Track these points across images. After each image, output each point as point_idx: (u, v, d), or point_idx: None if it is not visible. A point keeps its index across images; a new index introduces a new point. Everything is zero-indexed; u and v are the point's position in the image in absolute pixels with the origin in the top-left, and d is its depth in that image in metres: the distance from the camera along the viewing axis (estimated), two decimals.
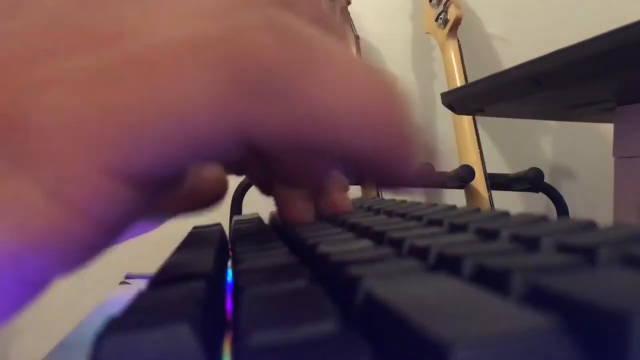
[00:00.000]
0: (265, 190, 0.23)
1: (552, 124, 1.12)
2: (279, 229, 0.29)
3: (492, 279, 0.12)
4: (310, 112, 0.10)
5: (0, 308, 0.09)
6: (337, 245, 0.18)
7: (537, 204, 1.06)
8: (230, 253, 0.25)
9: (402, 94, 0.11)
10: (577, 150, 1.13)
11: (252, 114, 0.09)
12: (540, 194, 0.98)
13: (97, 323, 0.10)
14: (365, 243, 0.18)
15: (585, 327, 0.08)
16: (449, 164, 0.95)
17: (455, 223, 0.20)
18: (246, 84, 0.09)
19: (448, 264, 0.14)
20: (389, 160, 0.11)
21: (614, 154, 0.50)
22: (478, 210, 0.24)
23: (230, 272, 0.22)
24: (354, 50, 0.94)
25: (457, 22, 0.94)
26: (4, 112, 0.09)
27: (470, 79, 0.84)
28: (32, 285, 0.09)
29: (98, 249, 0.10)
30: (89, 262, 0.10)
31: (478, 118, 0.92)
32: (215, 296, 0.15)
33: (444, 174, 0.89)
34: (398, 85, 0.11)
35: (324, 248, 0.17)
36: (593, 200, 0.83)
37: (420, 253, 0.16)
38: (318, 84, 0.10)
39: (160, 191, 0.11)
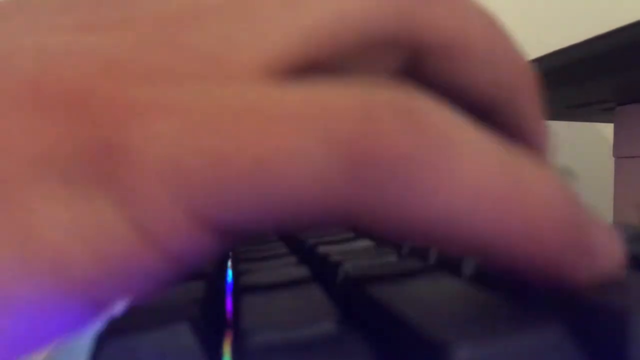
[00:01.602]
0: None
1: (552, 124, 1.12)
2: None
3: (492, 279, 0.12)
4: (433, 213, 0.08)
5: (62, 325, 0.09)
6: (337, 245, 0.18)
7: None
8: (230, 253, 0.25)
9: (574, 194, 0.09)
10: (577, 150, 1.13)
11: (364, 202, 0.08)
12: None
13: (97, 323, 0.10)
14: (365, 243, 0.18)
15: (585, 327, 0.08)
16: None
17: None
18: (365, 170, 0.08)
19: (448, 264, 0.14)
20: (556, 268, 0.09)
21: (614, 154, 0.50)
22: None
23: (230, 272, 0.22)
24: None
25: None
26: (104, 132, 0.08)
27: None
28: (95, 307, 0.09)
29: (162, 283, 0.10)
30: (148, 291, 0.10)
31: None
32: (215, 296, 0.15)
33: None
34: (570, 186, 0.09)
35: (324, 248, 0.17)
36: (593, 200, 0.83)
37: (420, 253, 0.16)
38: (449, 182, 0.08)
39: (236, 242, 0.10)
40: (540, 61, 0.42)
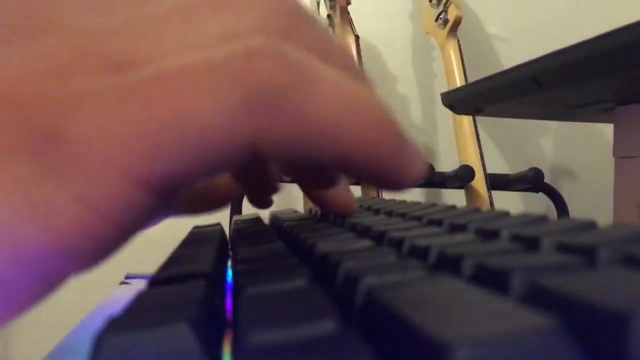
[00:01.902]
0: (256, 202, 0.25)
1: (552, 124, 1.12)
2: (279, 229, 0.29)
3: (492, 279, 0.12)
4: (310, 124, 0.11)
5: (17, 302, 0.10)
6: (337, 245, 0.18)
7: (537, 204, 1.06)
8: (230, 253, 0.25)
9: (389, 110, 0.13)
10: (577, 150, 1.13)
11: (262, 128, 0.11)
12: (540, 194, 0.98)
13: (97, 323, 0.10)
14: (365, 243, 0.18)
15: (585, 327, 0.08)
16: (449, 164, 0.95)
17: (455, 223, 0.20)
18: (256, 102, 0.11)
19: (448, 264, 0.14)
20: (386, 166, 0.13)
21: (614, 154, 0.50)
22: (478, 210, 0.24)
23: (230, 272, 0.22)
24: (353, 52, 0.93)
25: (457, 22, 0.94)
26: (40, 123, 0.10)
27: (470, 79, 0.84)
28: (50, 281, 0.10)
29: (113, 249, 0.11)
30: (102, 261, 0.11)
31: (478, 118, 0.92)
32: (215, 296, 0.15)
33: (443, 174, 0.89)
34: (384, 103, 0.13)
35: (324, 248, 0.17)
36: (593, 200, 0.83)
37: (420, 253, 0.16)
38: (315, 101, 0.11)
39: (173, 197, 0.12)
40: (540, 61, 0.42)
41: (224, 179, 0.22)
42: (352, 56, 0.15)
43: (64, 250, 0.10)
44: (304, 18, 0.14)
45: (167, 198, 0.11)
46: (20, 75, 0.11)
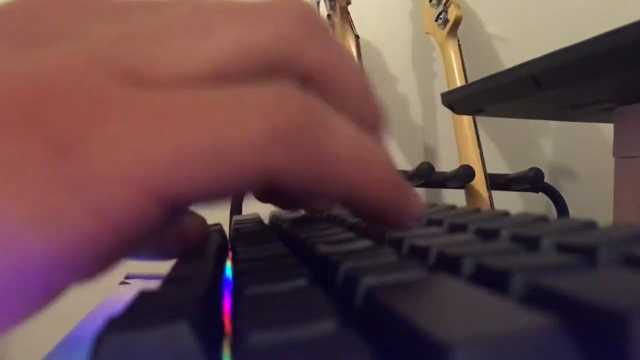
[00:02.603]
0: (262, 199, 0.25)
1: (552, 124, 1.12)
2: (279, 229, 0.29)
3: (492, 279, 0.12)
4: (324, 163, 0.12)
5: (20, 310, 0.10)
6: (337, 245, 0.18)
7: (537, 204, 1.06)
8: (230, 253, 0.25)
9: (389, 157, 0.14)
10: (577, 150, 1.13)
11: (281, 162, 0.12)
12: (540, 194, 0.98)
13: (97, 323, 0.10)
14: (365, 243, 0.18)
15: (585, 327, 0.08)
16: (449, 164, 0.95)
17: (455, 223, 0.20)
18: (281, 137, 0.11)
19: (448, 264, 0.14)
20: (386, 212, 0.14)
21: (614, 154, 0.50)
22: (478, 210, 0.24)
23: (230, 272, 0.22)
24: (355, 52, 0.93)
25: (457, 22, 0.94)
26: (60, 131, 0.10)
27: (470, 79, 0.84)
28: (53, 290, 0.10)
29: (116, 261, 0.11)
30: (104, 271, 0.11)
31: (478, 118, 0.92)
32: (215, 296, 0.15)
33: (443, 174, 0.89)
34: (384, 150, 0.14)
35: (324, 248, 0.17)
36: (593, 200, 0.83)
37: (420, 253, 0.16)
38: (332, 143, 0.12)
39: (176, 217, 0.12)
40: (540, 61, 0.42)
41: (196, 220, 0.22)
42: (360, 69, 0.16)
43: (71, 258, 0.10)
44: (318, 27, 0.14)
45: (175, 212, 0.11)
46: (36, 80, 0.11)
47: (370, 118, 0.16)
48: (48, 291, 0.10)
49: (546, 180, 0.95)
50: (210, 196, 0.11)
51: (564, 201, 0.96)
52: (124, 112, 0.10)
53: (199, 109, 0.11)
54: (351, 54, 0.15)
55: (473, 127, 0.90)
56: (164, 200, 0.11)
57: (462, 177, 0.87)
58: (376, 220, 0.15)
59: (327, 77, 0.14)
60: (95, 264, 0.10)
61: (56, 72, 0.11)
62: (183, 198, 0.11)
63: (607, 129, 0.59)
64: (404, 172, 0.92)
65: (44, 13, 0.13)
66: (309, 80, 0.14)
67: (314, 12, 0.15)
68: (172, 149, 0.10)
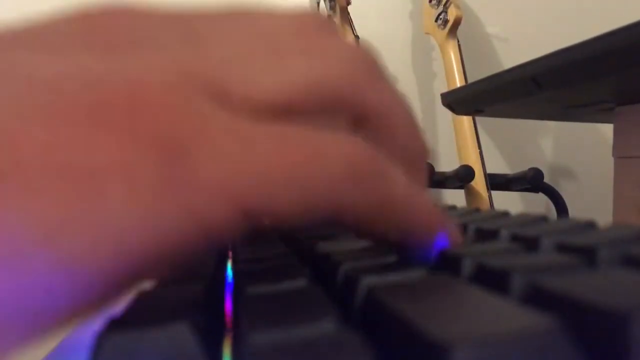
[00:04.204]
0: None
1: (552, 124, 1.12)
2: (279, 229, 0.29)
3: (492, 279, 0.12)
4: (384, 207, 0.14)
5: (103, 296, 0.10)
6: (337, 245, 0.18)
7: (537, 204, 1.06)
8: (230, 253, 0.25)
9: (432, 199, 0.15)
10: (577, 150, 1.13)
11: (352, 201, 0.13)
12: (540, 194, 0.98)
13: (97, 323, 0.10)
14: (365, 243, 0.18)
15: (585, 327, 0.08)
16: (449, 164, 0.95)
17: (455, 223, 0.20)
18: (356, 179, 0.13)
19: (448, 264, 0.14)
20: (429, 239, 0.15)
21: (614, 154, 0.50)
22: (478, 210, 0.24)
23: (230, 272, 0.22)
24: None
25: (457, 22, 0.94)
26: (169, 134, 0.11)
27: (470, 79, 0.84)
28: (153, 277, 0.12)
29: (197, 257, 0.12)
30: (186, 266, 0.12)
31: (478, 118, 0.92)
32: (215, 296, 0.15)
33: (443, 174, 0.89)
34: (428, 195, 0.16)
35: (324, 248, 0.17)
36: (593, 200, 0.83)
37: None
38: (392, 190, 0.14)
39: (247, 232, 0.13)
40: (540, 61, 0.42)
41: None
42: (409, 110, 0.18)
43: (169, 254, 0.11)
44: (379, 70, 0.16)
45: (245, 228, 0.12)
46: (131, 82, 0.11)
47: (416, 156, 0.18)
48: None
49: (546, 180, 0.95)
50: (285, 217, 0.12)
51: (564, 201, 0.96)
52: (226, 132, 0.11)
53: (289, 140, 0.12)
54: (404, 98, 0.17)
55: (473, 127, 0.90)
56: (246, 212, 0.11)
57: (462, 177, 0.87)
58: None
59: (383, 118, 0.16)
60: (183, 260, 0.11)
61: (150, 81, 0.11)
62: (262, 213, 0.12)
63: (607, 129, 0.59)
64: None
65: (111, 25, 0.13)
66: (365, 120, 0.15)
67: (375, 56, 0.16)
68: (263, 170, 0.12)
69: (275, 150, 0.12)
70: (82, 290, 0.10)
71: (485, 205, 0.87)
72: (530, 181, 0.93)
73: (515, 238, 0.16)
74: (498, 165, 1.09)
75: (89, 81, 0.11)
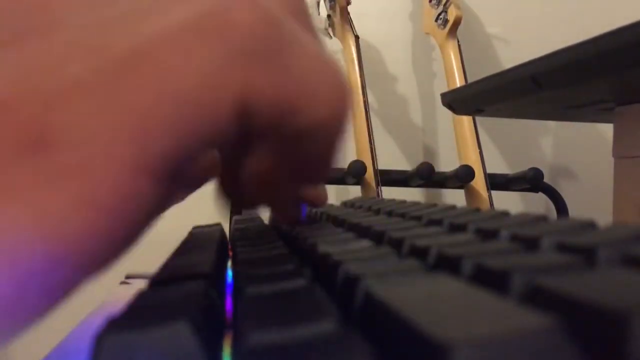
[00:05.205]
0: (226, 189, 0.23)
1: (552, 124, 1.12)
2: (279, 229, 0.29)
3: (492, 279, 0.12)
4: (293, 79, 0.12)
5: (26, 315, 0.10)
6: (337, 245, 0.18)
7: (537, 204, 1.06)
8: (230, 253, 0.25)
9: (349, 88, 0.14)
10: (577, 150, 1.13)
11: (247, 81, 0.11)
12: (540, 194, 0.98)
13: (97, 323, 0.10)
14: (365, 243, 0.18)
15: (585, 327, 0.08)
16: (449, 164, 0.95)
17: (455, 223, 0.20)
18: (238, 54, 0.11)
19: (448, 264, 0.14)
20: (330, 139, 0.14)
21: (614, 154, 0.50)
22: (478, 210, 0.24)
23: (230, 272, 0.22)
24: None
25: (457, 22, 0.94)
26: (28, 124, 0.09)
27: (470, 79, 0.84)
28: (63, 289, 0.10)
29: (124, 247, 0.11)
30: (113, 261, 0.11)
31: (478, 118, 0.92)
32: (215, 296, 0.15)
33: (443, 174, 0.89)
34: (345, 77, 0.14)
35: (324, 248, 0.17)
36: (593, 200, 0.83)
37: (420, 253, 0.16)
38: (296, 57, 0.12)
39: (175, 181, 0.11)
40: (540, 61, 0.42)
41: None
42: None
43: (74, 254, 0.09)
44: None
45: (169, 183, 0.11)
46: (13, 75, 0.10)
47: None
48: (57, 291, 0.10)
49: (546, 180, 0.95)
50: (193, 148, 0.11)
51: (564, 201, 0.96)
52: (86, 88, 0.10)
53: (145, 59, 0.10)
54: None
55: (473, 127, 0.90)
56: (153, 172, 0.10)
57: (462, 177, 0.87)
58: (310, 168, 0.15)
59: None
60: (103, 254, 0.10)
61: (33, 63, 0.10)
62: (169, 161, 0.10)
63: (606, 129, 0.59)
64: (403, 172, 0.92)
65: (34, 8, 0.12)
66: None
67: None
68: (132, 113, 0.10)
69: (135, 77, 0.10)
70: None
71: (485, 205, 0.87)
72: (530, 181, 0.93)
73: (515, 238, 0.16)
74: (498, 165, 1.09)
75: None
